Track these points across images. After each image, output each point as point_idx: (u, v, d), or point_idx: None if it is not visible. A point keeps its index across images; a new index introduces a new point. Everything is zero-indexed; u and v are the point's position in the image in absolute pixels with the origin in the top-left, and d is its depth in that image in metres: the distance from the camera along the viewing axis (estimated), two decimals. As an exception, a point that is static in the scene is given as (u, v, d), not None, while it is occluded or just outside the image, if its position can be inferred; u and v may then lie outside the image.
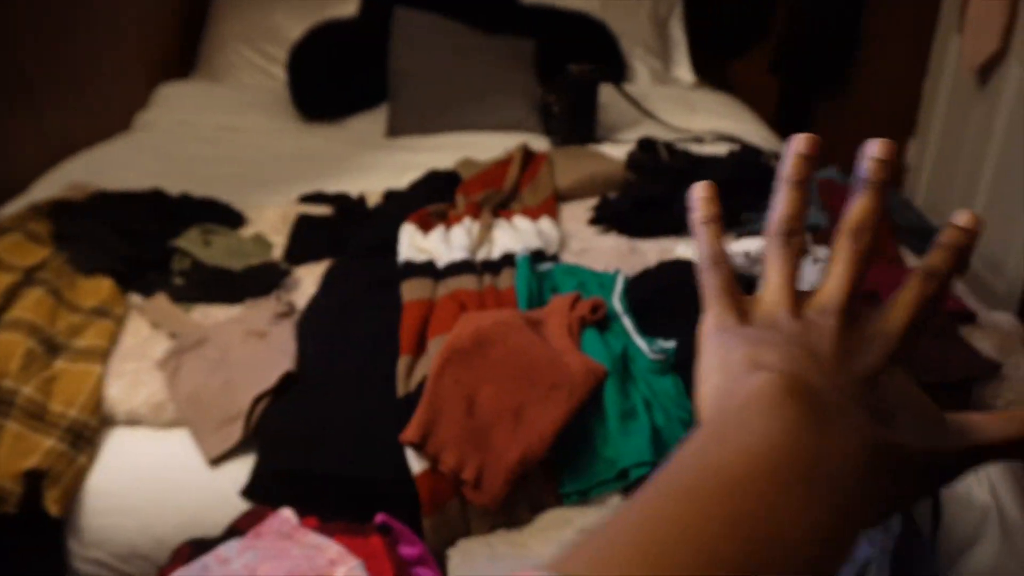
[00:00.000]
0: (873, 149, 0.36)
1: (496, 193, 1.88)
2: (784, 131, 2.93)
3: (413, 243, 1.65)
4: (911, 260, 1.65)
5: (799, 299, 0.36)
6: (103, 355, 1.36)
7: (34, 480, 1.21)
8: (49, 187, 1.98)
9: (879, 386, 0.34)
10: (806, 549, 0.26)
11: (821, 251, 1.57)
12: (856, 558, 1.00)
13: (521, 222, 1.76)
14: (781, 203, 0.38)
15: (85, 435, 1.26)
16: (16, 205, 1.87)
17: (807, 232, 1.63)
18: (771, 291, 0.37)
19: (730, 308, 0.37)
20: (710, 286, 0.38)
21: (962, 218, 0.35)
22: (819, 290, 0.36)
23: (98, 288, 1.52)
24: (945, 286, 0.35)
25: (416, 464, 1.20)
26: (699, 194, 0.39)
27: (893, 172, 0.37)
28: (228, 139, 2.42)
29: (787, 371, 0.31)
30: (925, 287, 0.35)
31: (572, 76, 2.33)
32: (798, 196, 0.38)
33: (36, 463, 1.20)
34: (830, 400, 0.31)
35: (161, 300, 1.51)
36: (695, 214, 0.39)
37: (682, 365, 1.34)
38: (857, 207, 0.37)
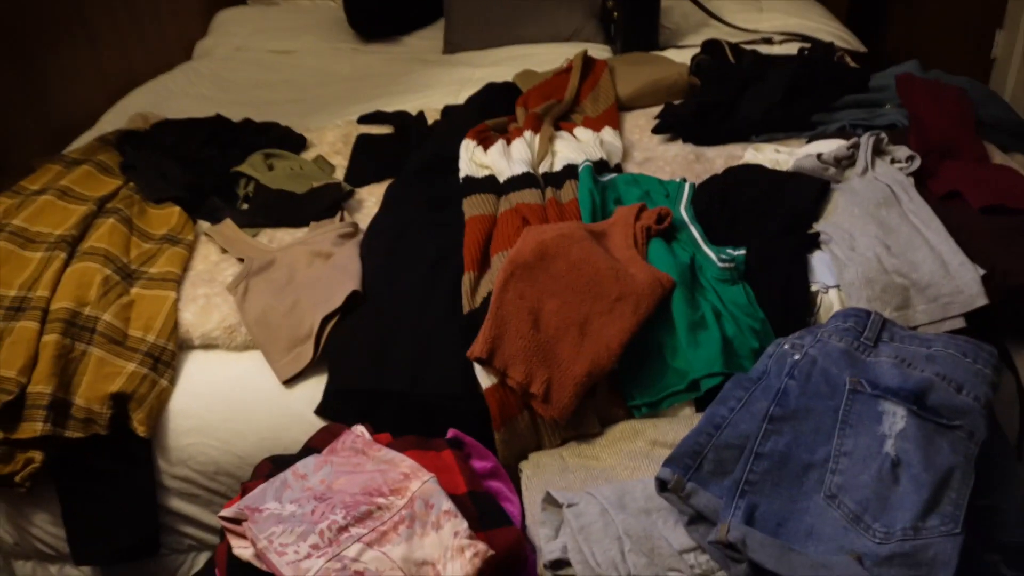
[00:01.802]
0: None
1: (556, 104, 1.83)
2: (859, 26, 2.78)
3: (473, 159, 1.63)
4: (998, 156, 1.56)
5: None
6: (176, 281, 1.39)
7: (121, 403, 1.26)
8: (116, 119, 2.01)
9: None
10: None
11: (900, 151, 1.50)
12: (938, 466, 0.98)
13: (582, 133, 1.72)
14: None
15: (164, 359, 1.30)
16: (86, 138, 1.90)
17: (882, 130, 1.56)
18: None
19: None
20: None
21: None
22: None
23: (168, 216, 1.54)
24: None
25: (484, 379, 1.21)
26: None
27: None
28: (285, 63, 2.41)
29: None
30: None
31: (632, -21, 2.23)
32: None
33: (121, 386, 1.25)
34: None
35: (228, 225, 1.53)
36: None
37: (751, 273, 1.31)
38: None
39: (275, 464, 1.18)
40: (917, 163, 1.46)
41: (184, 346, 1.34)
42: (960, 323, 1.22)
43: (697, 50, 2.09)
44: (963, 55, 2.93)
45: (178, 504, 1.32)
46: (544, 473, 1.18)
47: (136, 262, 1.42)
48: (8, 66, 1.86)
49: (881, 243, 1.29)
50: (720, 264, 1.30)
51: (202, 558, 1.37)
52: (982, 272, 1.23)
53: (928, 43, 2.98)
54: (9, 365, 1.22)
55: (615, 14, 2.27)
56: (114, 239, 1.42)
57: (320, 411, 1.26)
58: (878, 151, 1.52)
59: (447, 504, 1.05)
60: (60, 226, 1.43)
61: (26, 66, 1.92)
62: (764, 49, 2.15)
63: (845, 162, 1.50)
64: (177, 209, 1.56)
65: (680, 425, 1.19)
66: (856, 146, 1.52)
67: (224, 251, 1.49)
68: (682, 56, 2.11)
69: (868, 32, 2.81)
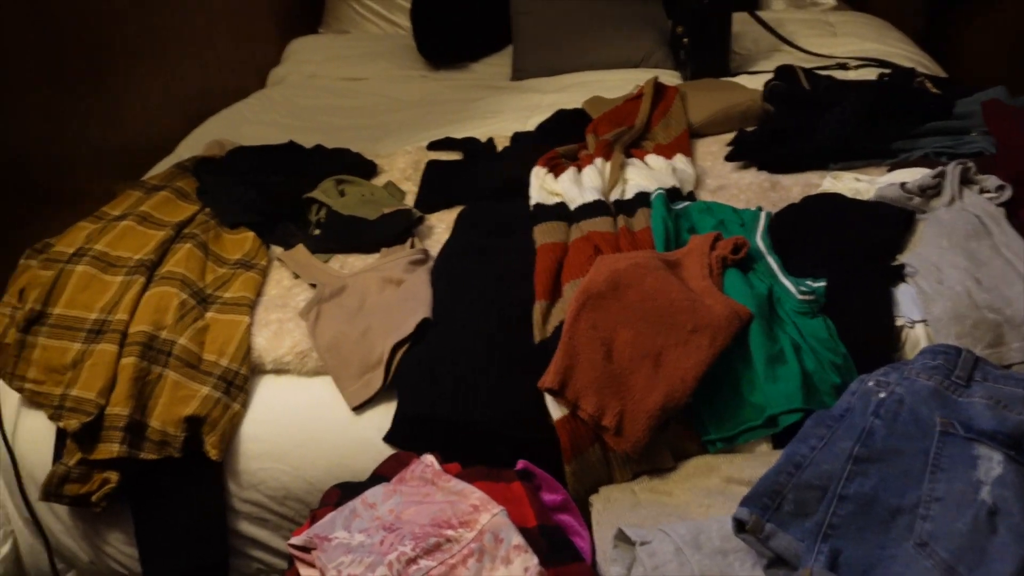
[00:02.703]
0: None
1: (627, 131, 1.82)
2: (933, 49, 2.70)
3: (544, 186, 1.62)
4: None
5: None
6: (250, 306, 1.41)
7: (194, 426, 1.27)
8: (193, 146, 2.05)
9: None
10: None
11: (989, 180, 1.44)
12: None
13: (654, 160, 1.70)
14: None
15: (236, 383, 1.31)
16: (164, 164, 1.95)
17: (967, 158, 1.50)
18: None
19: None
20: None
21: None
22: None
23: (242, 241, 1.57)
24: None
25: (556, 410, 1.19)
26: None
27: None
28: (356, 89, 2.45)
29: None
30: None
31: (702, 4, 2.20)
32: None
33: (195, 410, 1.26)
34: None
35: (300, 251, 1.55)
36: None
37: (832, 306, 1.26)
38: None
39: (344, 491, 1.18)
40: (1008, 193, 1.40)
41: (256, 371, 1.35)
42: (1057, 362, 1.16)
43: (770, 75, 2.05)
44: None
45: (247, 528, 1.33)
46: (615, 508, 1.15)
47: (211, 287, 1.44)
48: (86, 91, 1.92)
49: (971, 276, 1.24)
50: (799, 296, 1.27)
51: (270, 583, 1.38)
52: (1081, 308, 1.16)
53: (1004, 63, 2.89)
54: (89, 387, 1.25)
55: (685, 40, 2.25)
56: (191, 264, 1.45)
57: (389, 438, 1.26)
58: (965, 180, 1.46)
59: (517, 538, 1.04)
60: (139, 251, 1.46)
61: (104, 92, 1.98)
62: (839, 75, 2.10)
63: (931, 191, 1.45)
64: (251, 234, 1.58)
65: (757, 462, 1.15)
66: (942, 175, 1.46)
67: (296, 276, 1.51)
68: (754, 82, 2.07)
69: (944, 56, 2.73)
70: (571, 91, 2.20)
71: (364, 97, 2.38)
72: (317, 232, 1.61)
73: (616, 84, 2.16)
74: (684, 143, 1.78)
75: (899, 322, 1.25)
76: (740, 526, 1.03)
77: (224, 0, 2.42)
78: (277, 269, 1.54)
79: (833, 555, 0.97)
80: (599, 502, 1.16)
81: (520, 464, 1.17)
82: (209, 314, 1.39)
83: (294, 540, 1.09)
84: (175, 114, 2.23)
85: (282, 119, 2.24)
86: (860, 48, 2.32)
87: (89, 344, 1.30)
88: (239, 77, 2.54)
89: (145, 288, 1.39)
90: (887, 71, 2.01)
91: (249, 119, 2.25)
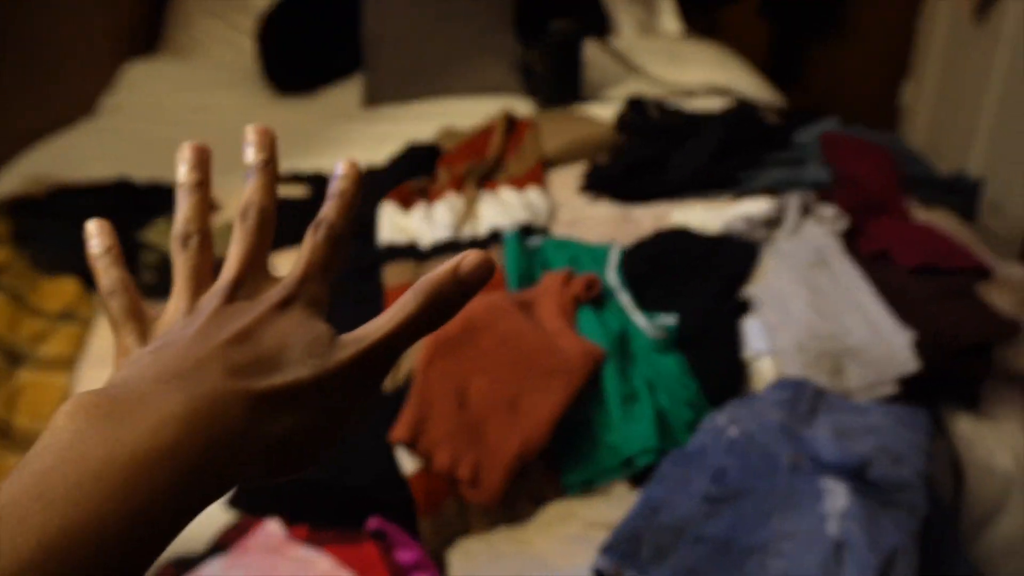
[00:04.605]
0: (339, 168, 0.40)
1: (480, 164, 1.79)
2: (777, 78, 2.83)
3: (394, 223, 1.57)
4: (921, 214, 1.57)
5: (203, 291, 0.38)
6: (70, 364, 1.28)
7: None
8: (9, 182, 1.88)
9: (259, 339, 0.35)
10: (115, 534, 0.28)
11: (827, 210, 1.49)
12: (883, 547, 0.94)
13: (507, 193, 1.67)
14: (178, 208, 0.40)
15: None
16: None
17: (810, 189, 1.56)
18: (172, 297, 0.38)
19: (134, 332, 0.38)
20: (113, 313, 0.38)
21: (342, 168, 0.40)
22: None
23: (63, 289, 1.43)
24: (341, 232, 0.39)
25: (408, 464, 1.13)
26: (92, 229, 0.40)
27: (355, 185, 0.40)
28: (198, 120, 2.31)
29: (78, 396, 0.31)
30: (317, 235, 0.39)
31: (554, 33, 2.22)
32: (193, 200, 0.40)
33: (5, 484, 1.13)
34: (142, 391, 0.32)
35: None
36: (90, 250, 0.40)
37: (685, 342, 1.27)
38: (245, 191, 0.40)
39: (178, 567, 1.08)
40: (845, 223, 1.46)
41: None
42: (892, 389, 1.20)
43: (622, 105, 2.08)
44: (874, 104, 3.02)
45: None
46: (474, 561, 1.11)
47: (27, 342, 1.31)
48: None
49: (813, 307, 1.28)
50: (652, 333, 1.26)
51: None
52: (914, 336, 1.21)
53: (846, 92, 3.06)
54: None
55: (537, 68, 2.25)
56: (1, 318, 1.31)
57: (233, 501, 1.17)
58: (806, 210, 1.51)
59: (369, 608, 0.97)
60: (-61, 306, 1.31)
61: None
62: (687, 103, 2.15)
63: (774, 223, 1.49)
64: (73, 281, 1.44)
65: (616, 504, 1.13)
66: (784, 206, 1.51)
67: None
68: (605, 110, 2.09)
69: (784, 82, 2.87)
70: (424, 119, 2.16)
71: (207, 128, 2.25)
72: (149, 277, 1.49)
73: (470, 112, 2.14)
74: (538, 175, 1.77)
75: (747, 354, 1.26)
76: (600, 575, 1.01)
77: (49, 18, 2.24)
78: (104, 319, 1.41)
79: (692, 599, 0.97)
80: (457, 557, 1.11)
81: (372, 523, 1.10)
82: (24, 374, 1.25)
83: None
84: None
85: (117, 151, 2.08)
86: (706, 76, 2.39)
87: None
88: (67, 102, 2.35)
89: (-54, 348, 1.25)
90: (730, 101, 2.07)
91: (78, 152, 2.08)
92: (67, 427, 0.30)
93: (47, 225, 1.56)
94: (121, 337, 0.38)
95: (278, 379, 0.34)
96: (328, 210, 0.40)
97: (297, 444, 0.34)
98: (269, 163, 0.41)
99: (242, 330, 0.35)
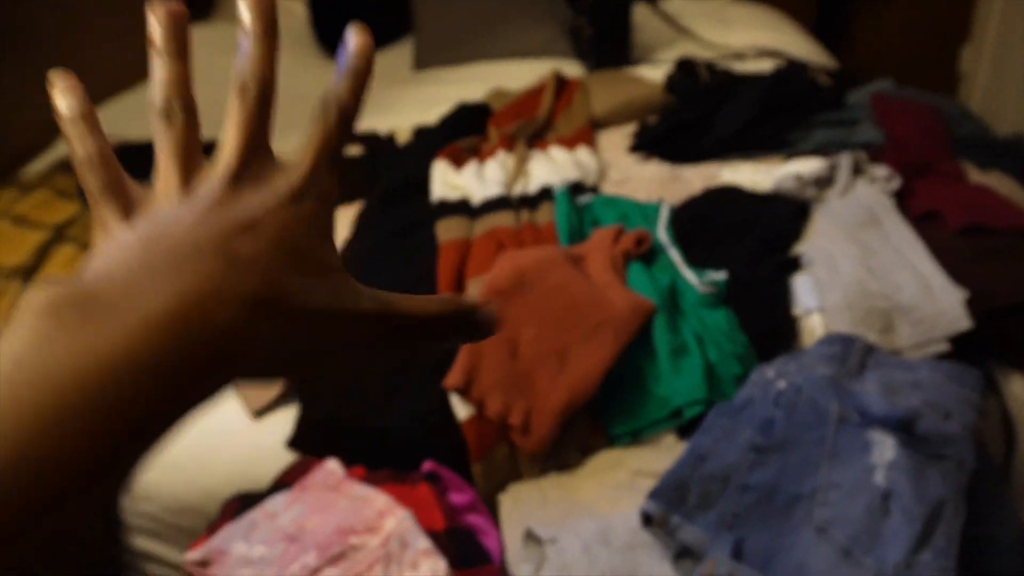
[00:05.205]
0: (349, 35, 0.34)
1: (529, 123, 1.80)
2: (827, 41, 2.78)
3: (446, 180, 1.59)
4: (975, 175, 1.55)
5: (195, 172, 0.32)
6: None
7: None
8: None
9: (266, 233, 0.30)
10: (85, 441, 0.24)
11: (879, 170, 1.49)
12: (930, 498, 0.95)
13: (557, 152, 1.69)
14: (154, 74, 0.33)
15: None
16: (42, 162, 1.84)
17: (858, 149, 1.55)
18: (159, 176, 0.32)
19: (117, 210, 0.32)
20: (90, 188, 0.33)
21: (355, 42, 0.34)
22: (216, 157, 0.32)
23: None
24: (355, 116, 0.34)
25: (462, 410, 1.17)
26: (58, 84, 0.34)
27: (369, 63, 0.34)
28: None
29: (49, 287, 0.27)
30: (329, 118, 0.33)
31: (603, -5, 2.21)
32: (174, 65, 0.33)
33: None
34: (126, 283, 0.27)
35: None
36: (59, 111, 0.34)
37: (733, 297, 1.28)
38: (240, 60, 0.33)
39: (243, 502, 1.13)
40: (897, 183, 1.45)
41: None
42: (944, 346, 1.20)
43: (671, 67, 2.07)
44: (930, 69, 2.96)
45: (141, 542, 1.27)
46: (524, 506, 1.14)
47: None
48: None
49: (863, 265, 1.28)
50: (701, 288, 1.28)
51: (167, 599, 1.32)
52: (965, 294, 1.21)
53: (898, 56, 3.00)
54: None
55: (586, 31, 2.25)
56: (73, 268, 1.37)
57: (292, 443, 1.21)
58: (857, 170, 1.50)
59: (424, 543, 1.01)
60: (14, 255, 1.37)
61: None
62: (737, 65, 2.14)
63: (824, 182, 1.48)
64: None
65: (663, 454, 1.16)
66: (835, 166, 1.50)
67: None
68: (655, 72, 2.09)
69: (835, 46, 2.82)
70: (473, 82, 2.17)
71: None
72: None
73: (519, 75, 2.15)
74: (587, 135, 1.78)
75: (796, 311, 1.27)
76: (648, 520, 1.04)
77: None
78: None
79: (738, 544, 0.99)
80: (508, 501, 1.15)
81: (427, 466, 1.14)
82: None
83: (191, 555, 1.04)
84: (50, 107, 2.09)
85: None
86: (755, 38, 2.37)
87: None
88: (126, 66, 2.41)
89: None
90: (780, 63, 2.06)
91: (136, 113, 2.14)
92: (33, 326, 0.26)
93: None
94: (101, 214, 0.33)
95: (292, 292, 0.30)
96: (341, 90, 0.33)
97: (282, 363, 0.31)
98: (270, 31, 0.34)
99: (249, 220, 0.30)
